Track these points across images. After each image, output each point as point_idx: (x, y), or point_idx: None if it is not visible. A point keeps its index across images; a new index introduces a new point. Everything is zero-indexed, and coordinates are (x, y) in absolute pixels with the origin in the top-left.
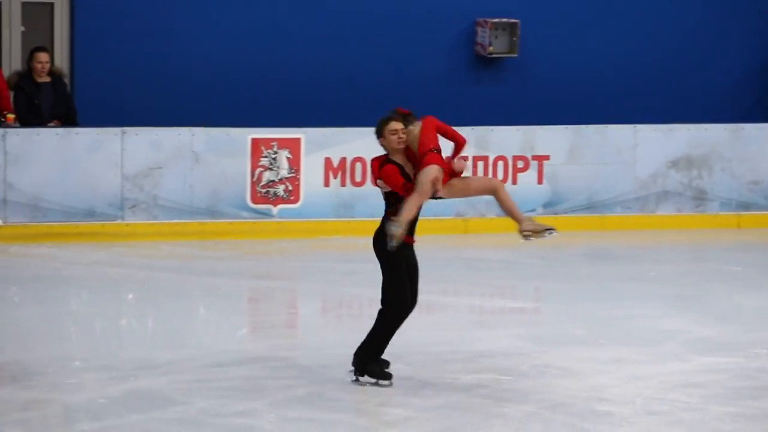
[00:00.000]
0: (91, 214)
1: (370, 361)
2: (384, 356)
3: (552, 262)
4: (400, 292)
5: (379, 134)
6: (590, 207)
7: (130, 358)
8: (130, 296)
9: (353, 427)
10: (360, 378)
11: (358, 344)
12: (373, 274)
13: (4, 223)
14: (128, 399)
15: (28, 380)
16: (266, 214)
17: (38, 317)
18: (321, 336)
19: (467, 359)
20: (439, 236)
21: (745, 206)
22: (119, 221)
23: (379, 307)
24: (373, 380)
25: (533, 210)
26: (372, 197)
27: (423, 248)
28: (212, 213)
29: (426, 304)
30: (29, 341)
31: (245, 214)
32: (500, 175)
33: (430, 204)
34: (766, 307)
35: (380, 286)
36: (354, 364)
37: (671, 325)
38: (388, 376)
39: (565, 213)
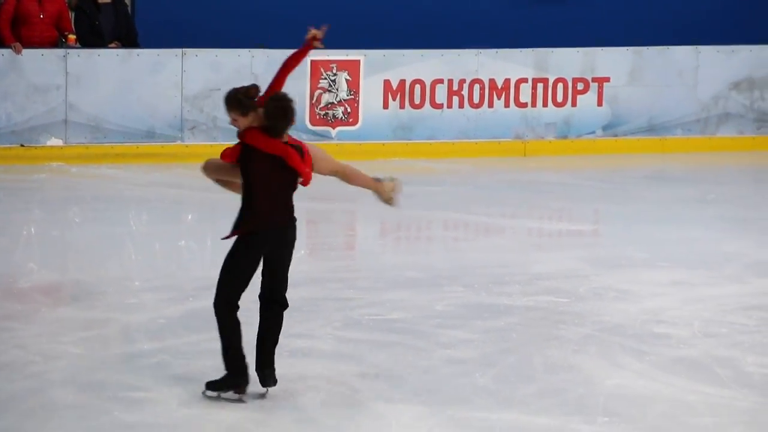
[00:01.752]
0: (151, 135)
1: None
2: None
3: (611, 184)
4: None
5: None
6: (651, 129)
7: (189, 278)
8: (189, 217)
9: (410, 349)
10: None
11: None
12: (433, 196)
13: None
14: (187, 319)
15: (88, 300)
16: (325, 136)
17: (98, 238)
18: (379, 258)
19: (525, 281)
20: (498, 158)
21: None
22: (179, 142)
23: None
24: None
25: (593, 132)
26: (431, 119)
27: (482, 171)
28: None
29: (484, 227)
30: (90, 262)
31: (304, 136)
32: (560, 97)
33: (489, 126)
34: None
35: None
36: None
37: (731, 248)
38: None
39: (625, 135)
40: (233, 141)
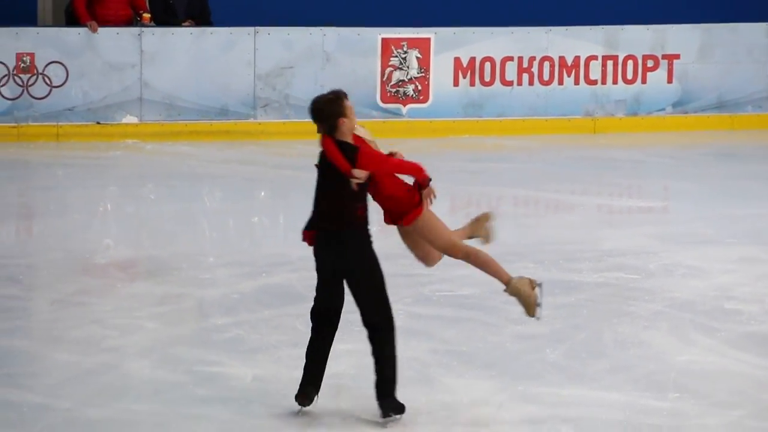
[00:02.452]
0: (224, 112)
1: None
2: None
3: (681, 161)
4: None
5: (340, 114)
6: (720, 106)
7: (263, 254)
8: (263, 194)
9: (481, 325)
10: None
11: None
12: (503, 173)
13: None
14: (261, 294)
15: (163, 275)
16: (396, 114)
17: (173, 214)
18: None
19: (595, 258)
20: (568, 135)
21: None
22: (252, 120)
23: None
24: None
25: (663, 109)
26: (501, 96)
27: (551, 147)
28: None
29: (554, 204)
30: (164, 238)
31: (375, 113)
32: (629, 74)
33: (559, 103)
34: None
35: None
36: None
37: None
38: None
39: (695, 112)
40: (306, 119)
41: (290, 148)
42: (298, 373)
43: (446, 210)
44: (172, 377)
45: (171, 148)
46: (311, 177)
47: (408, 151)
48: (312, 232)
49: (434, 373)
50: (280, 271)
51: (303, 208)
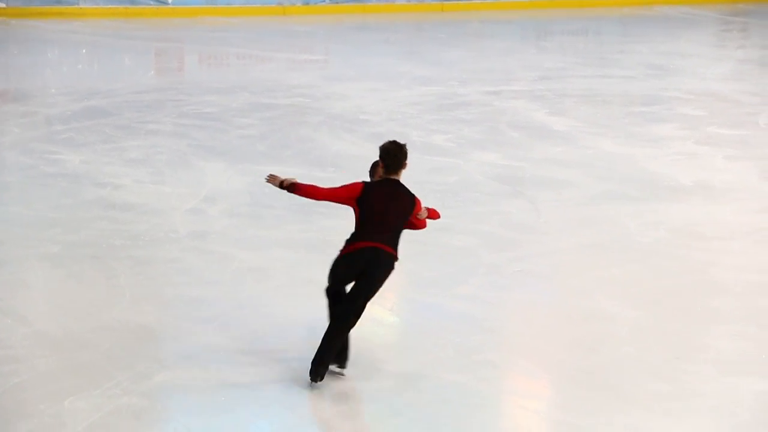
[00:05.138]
0: (59, 2)
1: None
2: None
3: (336, 33)
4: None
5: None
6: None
7: (85, 87)
8: (84, 51)
9: (219, 131)
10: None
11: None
12: (229, 39)
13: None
14: (84, 112)
15: (24, 100)
16: (164, 3)
17: (29, 63)
18: (199, 74)
19: (286, 89)
20: (268, 17)
21: None
22: (76, 6)
23: None
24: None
25: (324, 1)
26: None
27: (259, 24)
28: (132, 2)
29: (261, 57)
30: (24, 75)
31: (152, 2)
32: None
33: None
34: (460, 57)
35: None
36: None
37: (403, 69)
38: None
39: (344, 3)
40: (111, 5)
41: (101, 24)
42: (108, 159)
43: (196, 60)
44: (31, 161)
45: (28, 23)
46: (114, 41)
47: (173, 26)
48: None
49: (191, 159)
50: (95, 98)
51: (109, 60)
